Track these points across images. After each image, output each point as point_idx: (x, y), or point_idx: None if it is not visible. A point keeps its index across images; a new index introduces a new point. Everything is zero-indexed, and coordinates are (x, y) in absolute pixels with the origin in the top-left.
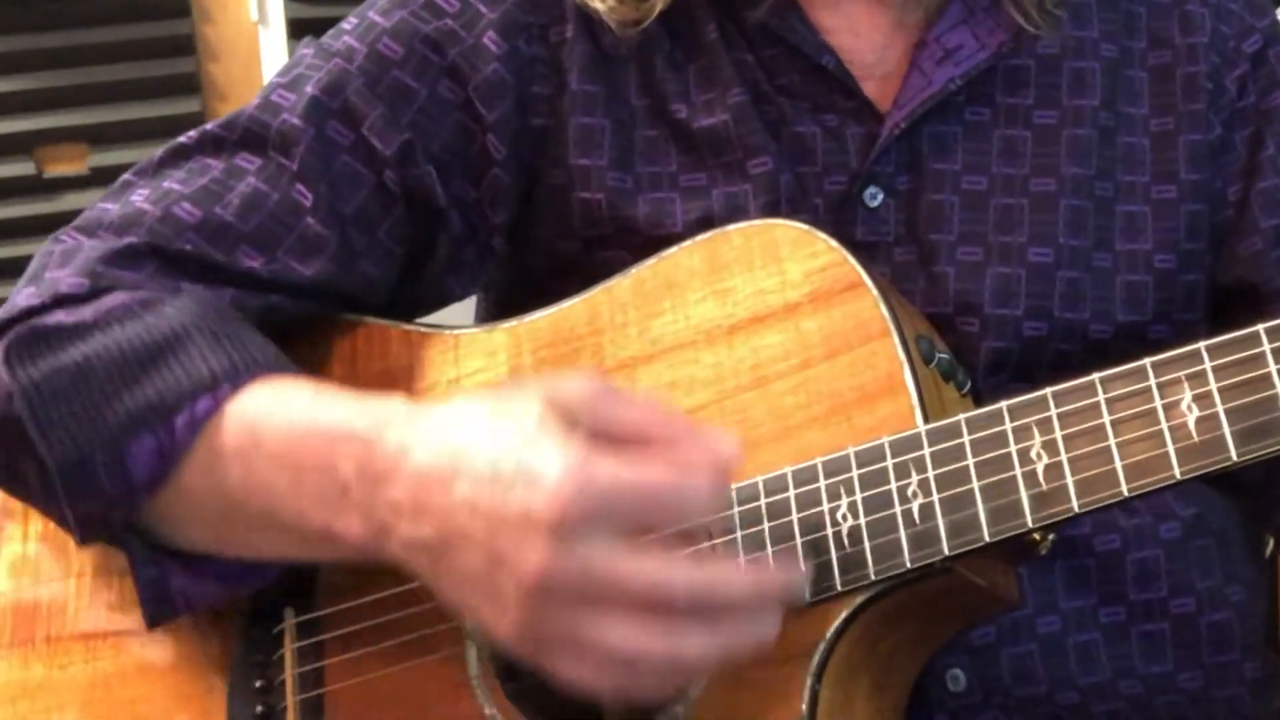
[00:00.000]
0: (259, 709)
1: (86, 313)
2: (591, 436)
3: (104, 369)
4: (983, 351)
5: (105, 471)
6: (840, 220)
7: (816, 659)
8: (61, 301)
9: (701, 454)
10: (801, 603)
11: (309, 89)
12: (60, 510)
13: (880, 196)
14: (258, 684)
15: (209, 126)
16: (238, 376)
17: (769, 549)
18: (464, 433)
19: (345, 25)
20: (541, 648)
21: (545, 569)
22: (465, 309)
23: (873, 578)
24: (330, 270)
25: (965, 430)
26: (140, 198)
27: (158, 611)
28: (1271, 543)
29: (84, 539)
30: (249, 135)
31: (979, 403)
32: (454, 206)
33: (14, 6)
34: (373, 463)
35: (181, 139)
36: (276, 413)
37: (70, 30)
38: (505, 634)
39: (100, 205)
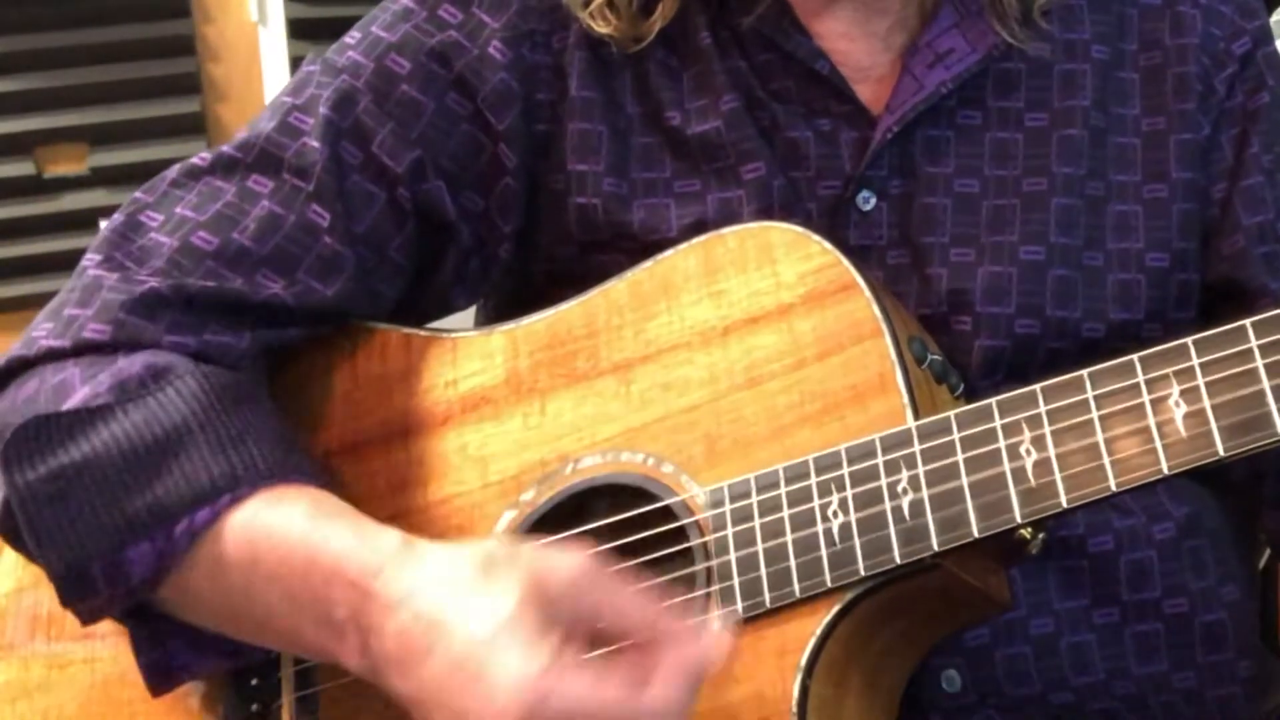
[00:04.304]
0: (254, 707)
1: (103, 384)
2: (570, 626)
3: (102, 471)
4: (976, 350)
5: (103, 576)
6: (834, 224)
7: (807, 654)
8: (82, 350)
9: (679, 660)
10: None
11: (322, 109)
12: None
13: (873, 200)
14: (253, 682)
15: (224, 148)
16: (238, 487)
17: (760, 545)
18: (446, 603)
19: (349, 40)
20: None
21: None
22: (465, 315)
23: (863, 573)
24: (350, 289)
25: (955, 427)
26: (155, 224)
27: (160, 687)
28: (1268, 553)
29: (85, 623)
30: (264, 157)
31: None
32: (463, 219)
33: (14, 6)
34: (366, 614)
35: (194, 160)
36: (274, 533)
37: (70, 30)
38: None
39: (114, 227)
